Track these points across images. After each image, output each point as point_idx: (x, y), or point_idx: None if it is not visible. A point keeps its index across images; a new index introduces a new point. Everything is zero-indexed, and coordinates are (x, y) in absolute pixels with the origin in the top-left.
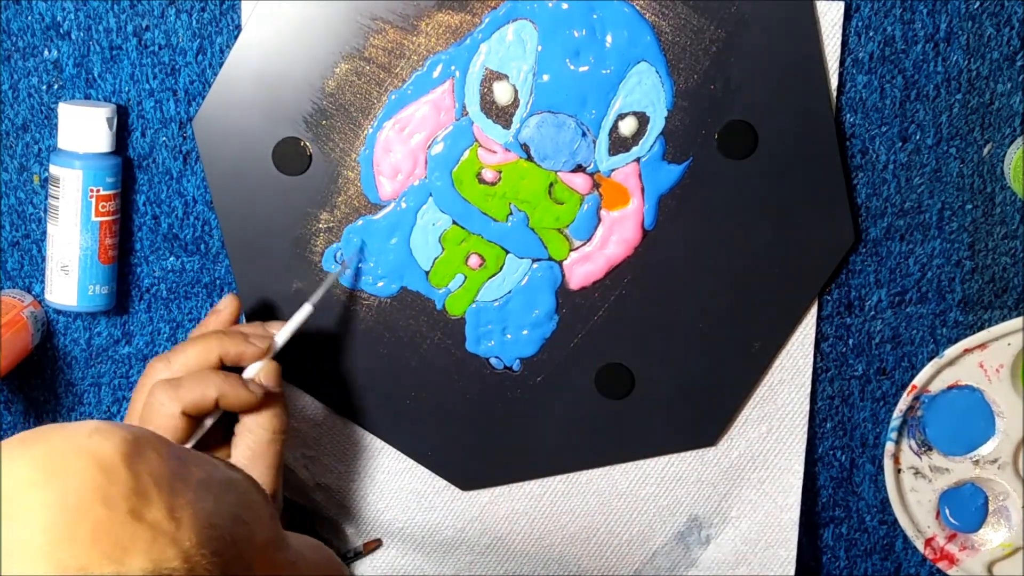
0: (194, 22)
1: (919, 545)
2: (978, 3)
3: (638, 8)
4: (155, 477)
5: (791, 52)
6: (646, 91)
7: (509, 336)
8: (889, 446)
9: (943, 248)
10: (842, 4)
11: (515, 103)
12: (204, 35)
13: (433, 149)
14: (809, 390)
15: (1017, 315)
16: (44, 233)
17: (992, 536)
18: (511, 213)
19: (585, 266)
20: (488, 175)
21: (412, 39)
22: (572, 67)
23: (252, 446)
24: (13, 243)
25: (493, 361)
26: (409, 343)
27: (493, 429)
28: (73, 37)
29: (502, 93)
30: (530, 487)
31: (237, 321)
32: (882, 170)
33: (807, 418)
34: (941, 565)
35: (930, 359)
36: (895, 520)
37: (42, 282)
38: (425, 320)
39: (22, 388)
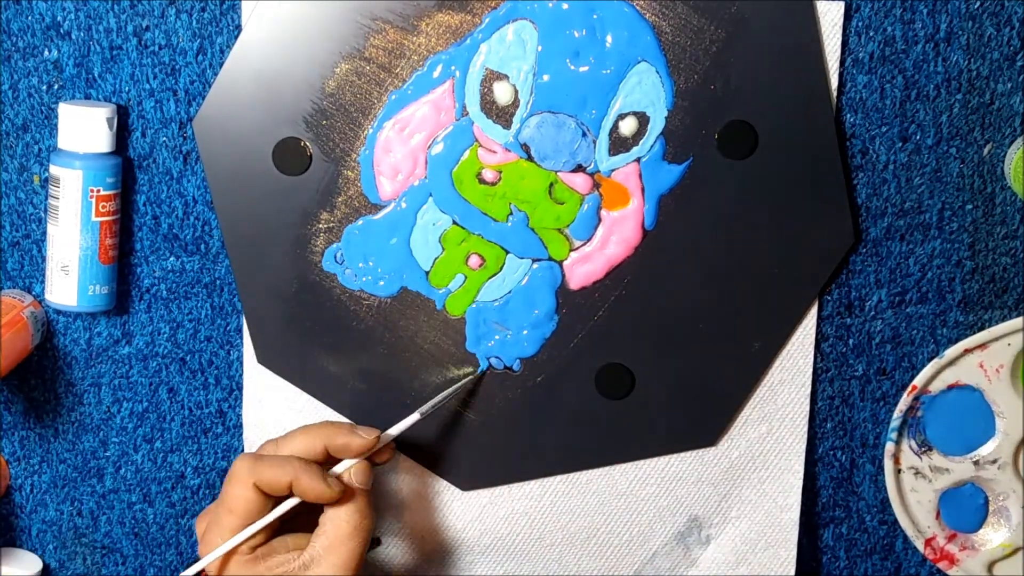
0: (194, 22)
1: (919, 545)
2: (978, 3)
3: (638, 8)
4: None
5: (791, 52)
6: (646, 91)
7: (510, 336)
8: (889, 446)
9: (943, 248)
10: (842, 4)
11: (515, 103)
12: (204, 35)
13: (433, 149)
14: (809, 390)
15: (1017, 315)
16: (44, 233)
17: (992, 536)
18: (511, 213)
19: (585, 266)
20: (488, 175)
21: (412, 39)
22: (572, 67)
23: (330, 536)
24: (13, 243)
25: (493, 361)
26: (409, 343)
27: (493, 429)
28: (73, 37)
29: (502, 93)
30: (530, 487)
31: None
32: (882, 170)
33: (807, 418)
34: (941, 565)
35: (930, 359)
36: (895, 520)
37: (42, 282)
38: (425, 320)
39: (22, 388)
